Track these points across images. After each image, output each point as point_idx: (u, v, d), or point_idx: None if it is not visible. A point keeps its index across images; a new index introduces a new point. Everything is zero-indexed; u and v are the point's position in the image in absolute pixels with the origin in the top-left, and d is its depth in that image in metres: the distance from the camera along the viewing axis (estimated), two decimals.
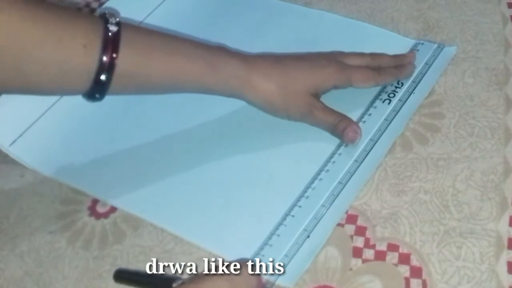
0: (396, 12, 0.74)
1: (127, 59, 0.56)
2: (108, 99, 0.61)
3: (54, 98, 0.69)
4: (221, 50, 0.62)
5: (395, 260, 0.54)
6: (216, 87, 0.61)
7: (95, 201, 0.63)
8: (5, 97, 0.67)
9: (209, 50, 0.61)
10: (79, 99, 0.63)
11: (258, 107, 0.63)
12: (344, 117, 0.62)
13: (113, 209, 0.62)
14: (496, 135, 0.61)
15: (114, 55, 0.55)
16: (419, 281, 0.53)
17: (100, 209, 0.62)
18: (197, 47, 0.61)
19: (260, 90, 0.61)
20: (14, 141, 0.67)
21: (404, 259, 0.54)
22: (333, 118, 0.62)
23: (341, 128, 0.61)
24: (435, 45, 0.68)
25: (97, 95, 0.57)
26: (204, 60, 0.60)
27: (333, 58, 0.65)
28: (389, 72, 0.65)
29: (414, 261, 0.54)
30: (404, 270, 0.53)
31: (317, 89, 0.63)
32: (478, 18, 0.71)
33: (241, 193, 0.60)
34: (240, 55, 0.62)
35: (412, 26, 0.72)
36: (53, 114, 0.69)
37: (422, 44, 0.69)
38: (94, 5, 0.81)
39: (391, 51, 0.67)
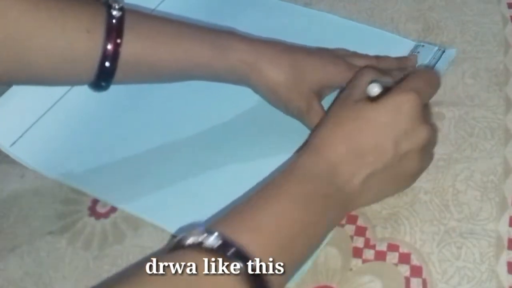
0: (396, 12, 0.74)
1: (132, 44, 0.55)
2: (108, 98, 0.61)
3: (54, 98, 0.69)
4: (230, 34, 0.60)
5: (395, 260, 0.54)
6: (223, 72, 0.59)
7: (95, 201, 0.63)
8: (6, 97, 0.67)
9: (217, 34, 0.60)
10: (79, 99, 0.63)
11: (261, 94, 0.62)
12: None
13: (113, 209, 0.62)
14: (496, 135, 0.61)
15: (118, 41, 0.54)
16: (419, 280, 0.53)
17: (100, 209, 0.62)
18: (204, 31, 0.60)
19: (267, 77, 0.60)
20: (14, 142, 0.67)
21: (404, 258, 0.54)
22: None
23: None
24: (436, 48, 0.68)
25: (103, 84, 0.56)
26: (211, 44, 0.58)
27: (342, 57, 0.64)
28: (393, 75, 0.65)
29: (415, 261, 0.54)
30: (404, 270, 0.53)
31: (322, 87, 0.62)
32: (478, 19, 0.71)
33: (242, 194, 0.60)
34: (250, 40, 0.60)
35: (412, 26, 0.72)
36: (54, 115, 0.69)
37: (423, 46, 0.69)
38: None
39: (391, 53, 0.67)
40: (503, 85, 0.64)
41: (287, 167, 0.51)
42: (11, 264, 0.60)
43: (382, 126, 0.50)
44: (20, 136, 0.67)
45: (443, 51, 0.68)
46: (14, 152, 0.66)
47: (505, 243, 0.54)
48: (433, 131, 0.54)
